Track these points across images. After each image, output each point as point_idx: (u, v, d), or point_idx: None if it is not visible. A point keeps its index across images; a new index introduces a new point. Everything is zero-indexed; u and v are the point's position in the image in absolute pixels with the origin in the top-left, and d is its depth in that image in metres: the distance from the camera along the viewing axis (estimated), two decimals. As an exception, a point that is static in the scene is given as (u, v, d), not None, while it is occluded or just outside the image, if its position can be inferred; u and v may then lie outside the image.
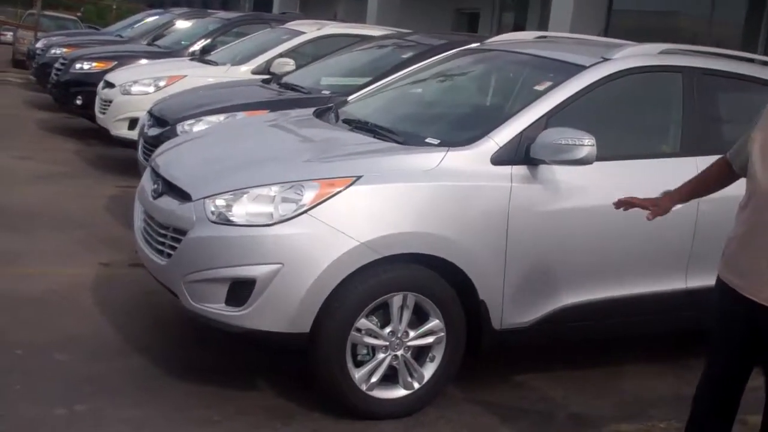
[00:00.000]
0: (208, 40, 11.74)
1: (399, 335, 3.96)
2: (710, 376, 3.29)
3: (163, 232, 4.13)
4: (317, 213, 3.77)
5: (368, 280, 3.82)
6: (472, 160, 4.10)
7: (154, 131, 6.91)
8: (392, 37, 8.45)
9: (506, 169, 4.12)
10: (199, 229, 3.88)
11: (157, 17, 16.15)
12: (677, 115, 4.74)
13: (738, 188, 3.23)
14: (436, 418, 4.10)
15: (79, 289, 5.33)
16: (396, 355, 3.97)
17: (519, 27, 16.30)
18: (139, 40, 14.12)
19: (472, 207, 4.02)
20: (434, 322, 4.02)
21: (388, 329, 3.94)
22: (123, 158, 9.25)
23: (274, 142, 4.74)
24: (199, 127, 6.54)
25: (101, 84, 9.71)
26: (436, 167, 4.02)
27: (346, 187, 3.82)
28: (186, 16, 14.68)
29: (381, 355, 3.95)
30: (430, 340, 4.03)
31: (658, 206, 3.57)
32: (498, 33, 9.31)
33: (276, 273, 3.71)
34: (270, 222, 3.79)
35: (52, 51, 13.48)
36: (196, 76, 9.07)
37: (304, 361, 3.93)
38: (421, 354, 4.06)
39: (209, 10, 15.73)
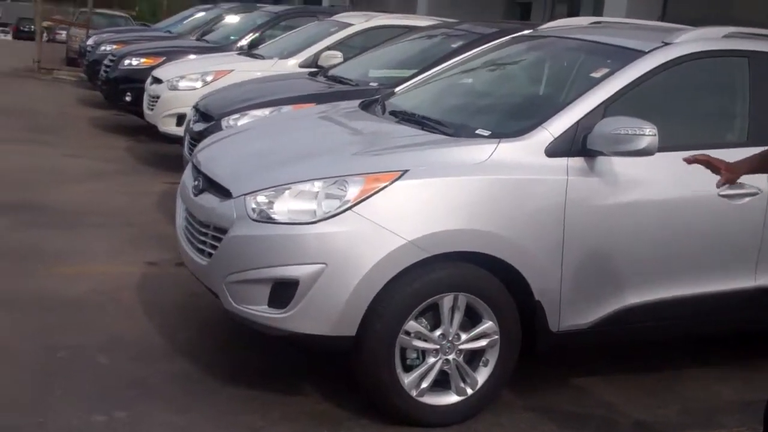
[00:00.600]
0: (256, 34, 11.65)
1: (450, 338, 3.77)
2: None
3: (203, 230, 3.99)
4: (362, 209, 3.58)
5: (416, 280, 3.63)
6: (526, 152, 3.88)
7: (199, 126, 6.81)
8: (441, 26, 8.24)
9: (562, 161, 3.89)
10: (239, 227, 3.72)
11: (205, 13, 16.13)
12: (744, 103, 4.45)
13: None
14: (491, 425, 3.89)
15: (124, 288, 5.23)
16: (447, 360, 3.78)
17: (572, 16, 15.90)
18: (188, 35, 14.10)
19: (526, 202, 3.81)
20: (487, 324, 3.81)
21: (438, 332, 3.74)
22: (173, 154, 9.17)
23: (318, 136, 4.57)
24: (244, 121, 6.40)
25: (149, 80, 9.68)
26: (487, 160, 3.81)
27: (392, 182, 3.63)
28: (234, 11, 14.59)
29: (431, 360, 3.76)
30: (483, 343, 3.83)
31: (732, 171, 3.29)
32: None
33: (320, 273, 3.54)
34: (313, 219, 3.61)
35: (102, 48, 13.50)
36: (243, 70, 8.96)
37: (351, 365, 3.77)
38: (474, 358, 3.86)
39: (258, 5, 15.62)
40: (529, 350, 3.97)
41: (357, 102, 5.15)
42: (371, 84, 6.89)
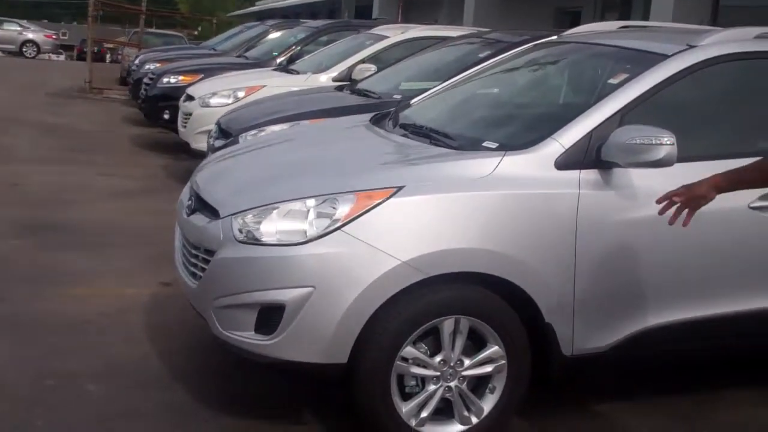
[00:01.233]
0: (295, 50, 11.55)
1: (452, 364, 3.51)
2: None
3: (194, 252, 3.81)
4: (352, 229, 3.35)
5: (413, 303, 3.39)
6: (534, 165, 3.61)
7: (219, 143, 6.70)
8: (471, 36, 7.99)
9: (573, 174, 3.61)
10: (226, 249, 3.53)
11: (251, 30, 16.13)
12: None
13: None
14: (498, 457, 3.62)
15: (133, 311, 5.08)
16: (449, 387, 3.52)
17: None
18: (231, 53, 14.08)
19: (533, 218, 3.53)
20: (493, 349, 3.55)
21: (439, 358, 3.49)
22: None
23: (316, 153, 4.34)
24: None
25: (183, 97, 9.62)
26: (491, 174, 3.55)
27: (386, 199, 3.39)
28: (277, 27, 14.55)
29: (432, 387, 3.51)
30: (488, 369, 3.56)
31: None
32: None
33: (307, 297, 3.32)
34: (302, 240, 3.39)
35: (146, 66, 13.55)
36: (274, 86, 8.84)
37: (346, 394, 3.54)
38: (479, 385, 3.60)
39: (301, 20, 15.57)
40: (541, 376, 3.69)
41: (367, 116, 4.93)
42: (395, 96, 6.67)
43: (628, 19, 15.68)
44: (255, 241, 3.46)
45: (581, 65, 4.70)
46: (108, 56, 33.87)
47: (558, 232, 3.56)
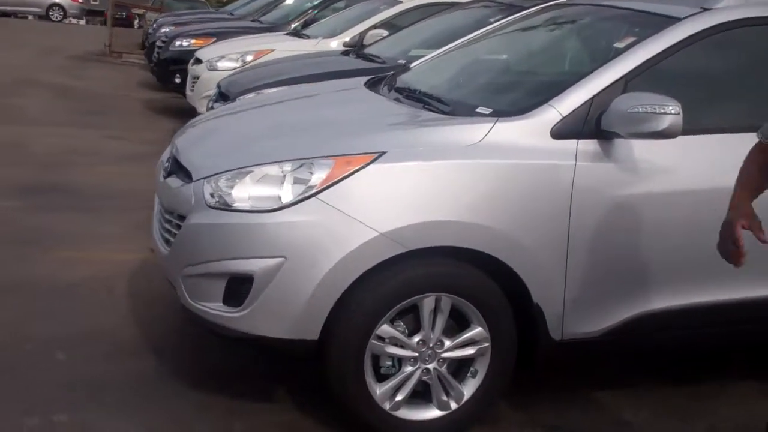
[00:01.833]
0: (312, 14, 11.29)
1: (431, 345, 3.29)
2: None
3: (167, 217, 3.60)
4: (328, 197, 3.12)
5: (391, 278, 3.16)
6: (527, 133, 3.35)
7: (217, 106, 6.48)
8: (485, 0, 7.69)
9: (570, 144, 3.35)
10: (197, 214, 3.32)
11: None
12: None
13: None
14: (479, 445, 3.41)
15: (119, 277, 4.91)
16: (428, 369, 3.30)
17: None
18: (248, 17, 13.84)
19: (524, 190, 3.28)
20: (476, 330, 3.32)
21: (417, 337, 3.27)
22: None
23: (300, 116, 4.11)
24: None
25: (192, 60, 9.41)
26: (480, 141, 3.30)
27: (365, 166, 3.16)
28: (297, -9, 14.26)
29: (409, 369, 3.28)
30: (470, 351, 3.34)
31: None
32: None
33: (277, 269, 3.10)
34: (275, 207, 3.17)
35: (162, 30, 13.33)
36: (283, 50, 8.62)
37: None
38: (460, 368, 3.38)
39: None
40: (529, 360, 3.46)
41: (362, 79, 4.68)
42: (399, 61, 6.41)
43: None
44: (226, 207, 3.25)
45: (589, 28, 4.41)
46: (136, 22, 33.68)
47: (551, 206, 3.31)
